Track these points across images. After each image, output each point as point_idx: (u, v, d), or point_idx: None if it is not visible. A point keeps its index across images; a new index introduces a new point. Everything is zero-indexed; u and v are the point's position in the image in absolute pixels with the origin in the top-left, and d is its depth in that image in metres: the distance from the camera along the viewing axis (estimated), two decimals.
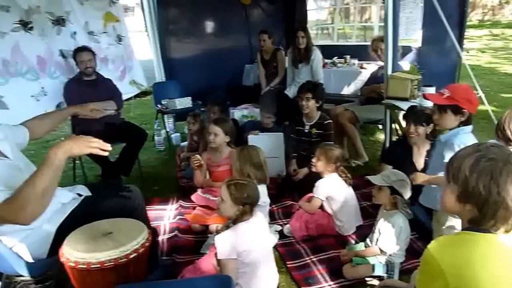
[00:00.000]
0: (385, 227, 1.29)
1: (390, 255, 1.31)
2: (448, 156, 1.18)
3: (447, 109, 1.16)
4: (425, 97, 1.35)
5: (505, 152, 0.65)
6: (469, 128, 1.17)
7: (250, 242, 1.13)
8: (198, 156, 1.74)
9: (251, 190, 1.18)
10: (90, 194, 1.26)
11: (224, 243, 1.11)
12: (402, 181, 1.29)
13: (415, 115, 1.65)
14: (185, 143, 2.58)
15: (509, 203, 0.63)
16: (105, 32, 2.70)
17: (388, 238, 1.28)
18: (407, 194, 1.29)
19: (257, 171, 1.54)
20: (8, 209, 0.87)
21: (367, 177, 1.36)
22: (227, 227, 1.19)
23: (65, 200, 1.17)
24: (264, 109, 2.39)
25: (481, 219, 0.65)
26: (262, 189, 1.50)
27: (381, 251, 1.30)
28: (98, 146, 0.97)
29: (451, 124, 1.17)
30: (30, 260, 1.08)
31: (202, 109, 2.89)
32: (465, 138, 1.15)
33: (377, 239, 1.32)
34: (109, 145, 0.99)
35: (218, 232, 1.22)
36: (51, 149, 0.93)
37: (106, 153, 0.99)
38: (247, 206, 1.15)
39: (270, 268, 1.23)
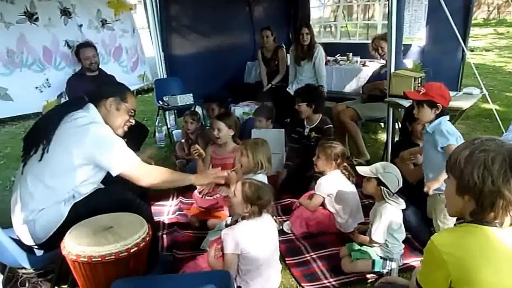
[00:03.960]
0: (374, 218, 1.32)
1: (387, 246, 1.32)
2: (441, 141, 1.29)
3: (423, 104, 1.34)
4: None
5: (499, 144, 0.65)
6: (447, 117, 1.36)
7: (254, 240, 1.14)
8: (196, 145, 1.75)
9: (264, 193, 1.19)
10: (100, 186, 1.29)
11: (230, 237, 1.13)
12: (389, 174, 1.30)
13: None
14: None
15: (505, 192, 0.63)
16: (118, 20, 2.68)
17: (377, 228, 1.30)
18: (394, 187, 1.30)
19: (268, 163, 1.58)
20: (146, 171, 1.20)
21: (357, 167, 1.39)
22: (236, 221, 1.20)
23: (88, 191, 1.21)
24: (256, 112, 2.39)
25: (480, 211, 0.66)
26: (264, 179, 1.54)
27: (373, 241, 1.31)
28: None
29: (428, 117, 1.34)
30: (29, 240, 1.12)
31: (203, 106, 2.89)
32: (448, 124, 1.33)
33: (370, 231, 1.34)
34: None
35: (227, 225, 1.24)
36: (192, 175, 1.37)
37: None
38: (255, 207, 1.17)
39: (275, 268, 1.24)
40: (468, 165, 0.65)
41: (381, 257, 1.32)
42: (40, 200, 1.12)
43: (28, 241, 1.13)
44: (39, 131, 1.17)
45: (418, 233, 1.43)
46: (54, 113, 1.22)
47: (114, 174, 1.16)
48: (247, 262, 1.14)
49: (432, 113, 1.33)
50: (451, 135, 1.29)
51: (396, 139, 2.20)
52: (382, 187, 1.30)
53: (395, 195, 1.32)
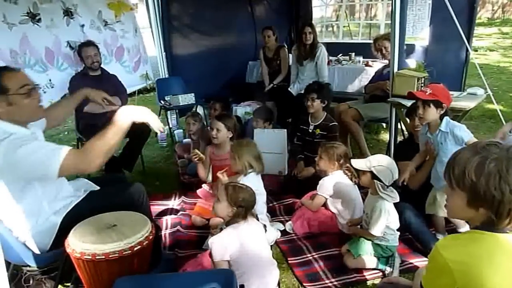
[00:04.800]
0: (372, 213, 1.33)
1: (383, 235, 1.33)
2: (466, 136, 1.34)
3: (430, 103, 1.36)
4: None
5: (504, 149, 0.64)
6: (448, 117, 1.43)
7: (242, 244, 1.15)
8: (196, 150, 1.76)
9: (247, 194, 1.20)
10: (95, 188, 1.28)
11: (218, 245, 1.14)
12: (382, 167, 1.31)
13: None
14: (187, 140, 2.59)
15: None
16: (119, 21, 2.70)
17: (377, 224, 1.31)
18: (388, 180, 1.31)
19: (256, 162, 1.57)
20: (84, 158, 1.00)
21: (352, 160, 1.41)
22: (220, 229, 1.21)
23: (70, 193, 1.20)
24: (254, 113, 2.39)
25: (498, 220, 0.64)
26: (259, 179, 1.55)
27: (372, 235, 1.33)
28: (153, 119, 1.07)
29: (433, 116, 1.38)
30: (36, 251, 1.12)
31: (205, 105, 2.90)
32: (454, 122, 1.41)
33: (368, 223, 1.35)
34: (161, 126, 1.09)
35: (212, 234, 1.26)
36: (119, 114, 1.03)
37: (158, 131, 1.09)
38: (240, 209, 1.18)
39: (270, 268, 1.25)
40: (482, 177, 0.62)
41: (381, 248, 1.33)
42: (21, 225, 1.07)
43: (35, 251, 1.12)
44: None
45: (419, 234, 1.43)
46: None
47: (54, 179, 0.99)
48: (237, 267, 1.15)
49: (437, 112, 1.37)
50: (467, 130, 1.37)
51: (399, 139, 2.20)
52: (375, 181, 1.31)
53: (390, 188, 1.32)
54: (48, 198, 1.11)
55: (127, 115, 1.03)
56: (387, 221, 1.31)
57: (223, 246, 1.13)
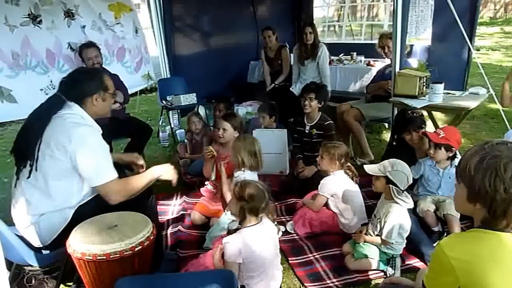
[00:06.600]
0: (385, 218, 1.31)
1: (392, 244, 1.32)
2: None
3: (441, 146, 1.50)
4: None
5: (511, 148, 0.63)
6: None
7: (256, 248, 1.14)
8: (211, 147, 1.77)
9: (255, 190, 1.18)
10: None
11: (232, 247, 1.13)
12: (398, 172, 1.29)
13: (413, 122, 1.70)
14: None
15: None
16: (118, 23, 2.71)
17: (390, 229, 1.30)
18: (403, 184, 1.29)
19: (250, 158, 1.56)
20: (117, 192, 1.15)
21: (365, 166, 1.39)
22: (235, 230, 1.21)
23: (86, 192, 1.22)
24: (259, 109, 2.40)
25: (492, 219, 0.64)
26: (254, 176, 1.55)
27: (384, 241, 1.31)
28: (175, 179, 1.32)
29: (442, 157, 1.54)
30: (38, 243, 1.13)
31: (207, 105, 2.90)
32: None
33: (380, 229, 1.33)
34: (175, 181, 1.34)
35: (228, 233, 1.24)
36: (155, 168, 1.28)
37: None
38: (244, 203, 1.15)
39: (277, 269, 1.25)
40: (479, 172, 0.63)
41: (385, 254, 1.32)
42: (38, 206, 1.12)
43: (34, 243, 1.14)
44: (25, 145, 1.12)
45: (418, 233, 1.42)
46: (37, 121, 1.14)
47: (91, 185, 1.14)
48: (248, 269, 1.15)
49: (446, 154, 1.52)
50: None
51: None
52: (391, 186, 1.29)
53: (404, 193, 1.30)
54: (78, 192, 1.17)
55: (160, 173, 1.27)
56: (400, 228, 1.29)
57: (237, 248, 1.12)
